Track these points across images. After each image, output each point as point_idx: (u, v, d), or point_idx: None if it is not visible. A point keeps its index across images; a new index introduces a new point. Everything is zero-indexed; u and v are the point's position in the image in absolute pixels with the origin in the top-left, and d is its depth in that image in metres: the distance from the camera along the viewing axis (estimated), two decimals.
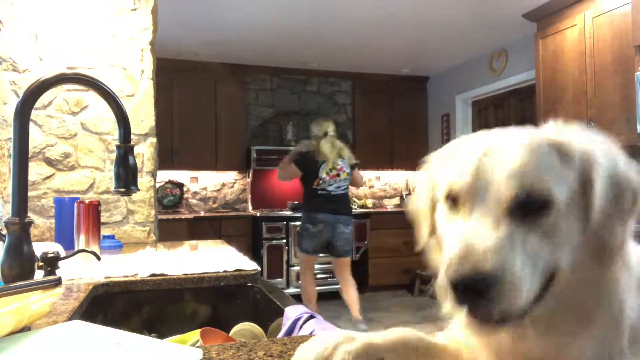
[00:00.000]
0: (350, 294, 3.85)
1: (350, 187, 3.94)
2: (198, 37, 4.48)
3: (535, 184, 0.46)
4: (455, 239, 0.47)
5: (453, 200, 0.50)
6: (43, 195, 2.16)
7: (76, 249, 1.56)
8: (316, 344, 0.56)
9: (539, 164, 0.47)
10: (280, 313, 1.07)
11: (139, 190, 1.19)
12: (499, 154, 0.48)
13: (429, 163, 0.59)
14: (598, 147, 0.49)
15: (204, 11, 3.84)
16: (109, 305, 1.23)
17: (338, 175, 3.72)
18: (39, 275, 0.96)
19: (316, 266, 5.04)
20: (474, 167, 0.48)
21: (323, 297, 5.19)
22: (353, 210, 5.30)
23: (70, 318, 0.89)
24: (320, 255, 4.12)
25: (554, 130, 0.51)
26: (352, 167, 3.83)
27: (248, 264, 1.43)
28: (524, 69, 4.53)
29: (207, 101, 5.23)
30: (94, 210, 1.60)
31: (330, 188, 3.72)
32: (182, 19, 4.00)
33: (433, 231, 0.57)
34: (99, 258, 1.31)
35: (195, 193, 5.48)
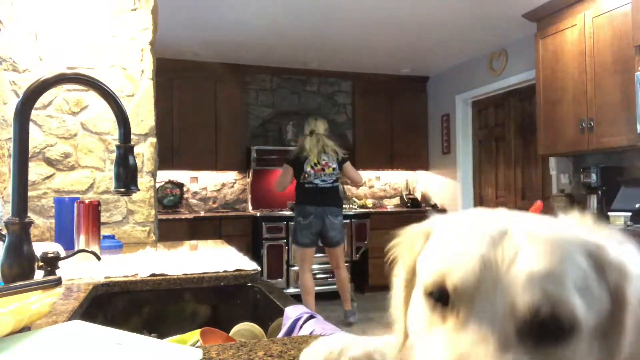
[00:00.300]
0: (341, 282, 4.11)
1: (350, 185, 4.12)
2: (198, 37, 4.48)
3: (562, 298, 0.33)
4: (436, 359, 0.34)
5: (439, 297, 0.36)
6: (43, 195, 2.16)
7: (76, 249, 1.56)
8: (321, 349, 0.51)
9: (569, 271, 0.34)
10: (280, 313, 1.07)
11: (139, 190, 1.19)
12: (517, 245, 0.35)
13: (414, 235, 0.44)
14: (636, 260, 0.37)
15: (204, 11, 3.84)
16: (109, 305, 1.23)
17: (323, 169, 3.91)
18: (39, 275, 0.96)
19: (316, 266, 5.05)
20: (480, 255, 0.35)
21: (323, 297, 5.19)
22: (353, 210, 5.33)
23: (70, 318, 0.89)
24: (317, 255, 4.36)
25: (585, 228, 0.38)
26: (341, 162, 3.97)
27: (248, 264, 1.43)
28: (524, 69, 4.53)
29: (207, 101, 5.23)
30: (94, 210, 1.59)
31: (316, 181, 3.91)
32: (182, 19, 4.00)
33: (406, 338, 0.43)
34: (99, 258, 1.31)
35: (195, 193, 5.48)
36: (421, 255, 0.41)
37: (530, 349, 0.32)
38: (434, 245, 0.40)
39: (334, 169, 3.94)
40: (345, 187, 6.05)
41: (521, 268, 0.33)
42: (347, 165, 4.02)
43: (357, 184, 4.37)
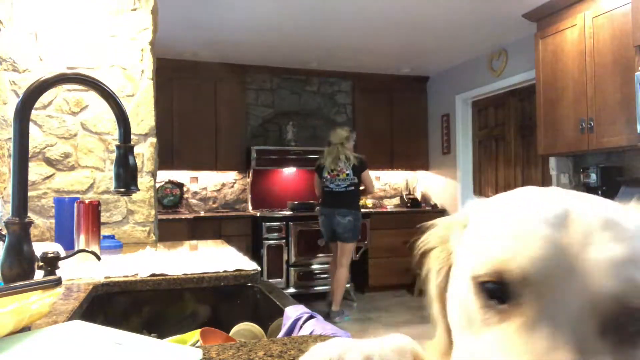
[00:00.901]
0: (337, 281, 4.36)
1: (366, 192, 4.57)
2: (198, 37, 4.48)
3: None
4: None
5: (494, 291, 0.30)
6: (43, 195, 2.16)
7: (76, 249, 1.56)
8: (319, 355, 0.48)
9: None
10: (280, 313, 1.07)
11: (139, 190, 1.19)
12: (587, 226, 0.30)
13: (448, 224, 0.39)
14: None
15: (204, 11, 3.84)
16: (109, 305, 1.23)
17: (338, 175, 4.35)
18: (39, 275, 0.96)
19: (316, 266, 5.06)
20: (548, 237, 0.29)
21: (323, 297, 5.19)
22: None
23: (70, 318, 0.89)
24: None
25: None
26: (358, 169, 4.35)
27: (248, 264, 1.43)
28: (524, 69, 4.53)
29: (207, 101, 5.23)
30: (94, 210, 1.59)
31: (331, 186, 4.36)
32: (182, 19, 4.00)
33: (449, 340, 0.36)
34: (99, 258, 1.31)
35: (195, 193, 5.48)
36: (462, 244, 0.35)
37: (613, 349, 0.27)
38: (479, 232, 0.34)
39: (347, 174, 4.33)
40: None
41: (598, 253, 0.28)
42: (364, 173, 4.41)
43: (368, 191, 4.65)
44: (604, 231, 0.29)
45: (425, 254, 0.40)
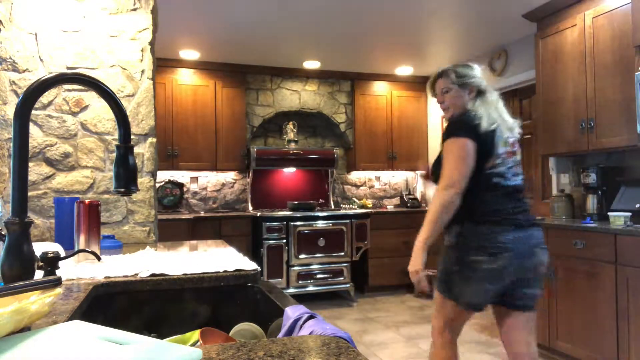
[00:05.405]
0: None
1: (351, 186, 3.76)
2: (198, 37, 4.48)
3: None
4: None
5: None
6: (43, 195, 2.16)
7: (76, 249, 1.56)
8: None
9: None
10: (280, 313, 1.07)
11: (139, 190, 1.19)
12: None
13: None
14: None
15: (204, 11, 3.84)
16: (109, 305, 1.23)
17: (514, 154, 2.81)
18: (39, 275, 0.96)
19: (316, 266, 5.05)
20: None
21: (323, 297, 5.20)
22: (353, 211, 5.32)
23: (70, 318, 0.89)
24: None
25: None
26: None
27: (248, 264, 1.43)
28: (524, 69, 4.53)
29: (207, 101, 5.23)
30: (94, 210, 1.59)
31: (512, 178, 2.44)
32: (182, 19, 4.00)
33: None
34: (99, 258, 1.31)
35: (195, 193, 5.48)
36: None
37: None
38: None
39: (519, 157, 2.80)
40: (346, 187, 6.05)
41: None
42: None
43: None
44: None
45: None
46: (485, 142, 2.00)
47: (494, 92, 2.19)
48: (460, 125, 2.05)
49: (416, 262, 1.96)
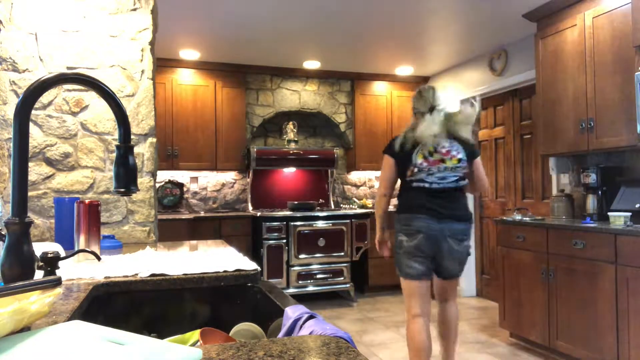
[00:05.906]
0: (447, 316, 3.00)
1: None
2: (198, 37, 4.48)
3: None
4: None
5: None
6: (43, 195, 2.16)
7: (76, 249, 1.56)
8: None
9: None
10: (280, 313, 1.07)
11: (139, 190, 1.19)
12: None
13: None
14: None
15: (203, 11, 3.84)
16: (109, 305, 1.23)
17: (442, 161, 2.88)
18: (39, 275, 0.96)
19: (316, 266, 5.06)
20: None
21: (323, 297, 5.20)
22: (353, 211, 5.32)
23: (70, 318, 0.89)
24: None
25: None
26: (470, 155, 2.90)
27: (248, 264, 1.43)
28: (524, 69, 4.53)
29: (207, 101, 5.23)
30: (94, 211, 1.59)
31: (429, 180, 2.76)
32: (182, 19, 4.00)
33: None
34: (99, 258, 1.31)
35: (195, 193, 5.48)
36: None
37: None
38: None
39: (460, 160, 2.86)
40: (346, 187, 6.05)
41: None
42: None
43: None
44: None
45: None
46: (402, 158, 2.72)
47: (438, 112, 2.68)
48: (387, 145, 2.82)
49: (377, 236, 2.95)
